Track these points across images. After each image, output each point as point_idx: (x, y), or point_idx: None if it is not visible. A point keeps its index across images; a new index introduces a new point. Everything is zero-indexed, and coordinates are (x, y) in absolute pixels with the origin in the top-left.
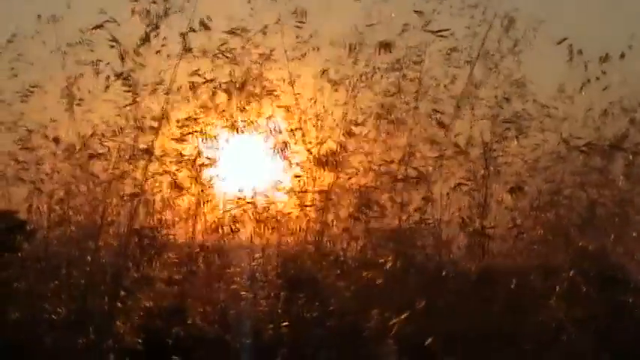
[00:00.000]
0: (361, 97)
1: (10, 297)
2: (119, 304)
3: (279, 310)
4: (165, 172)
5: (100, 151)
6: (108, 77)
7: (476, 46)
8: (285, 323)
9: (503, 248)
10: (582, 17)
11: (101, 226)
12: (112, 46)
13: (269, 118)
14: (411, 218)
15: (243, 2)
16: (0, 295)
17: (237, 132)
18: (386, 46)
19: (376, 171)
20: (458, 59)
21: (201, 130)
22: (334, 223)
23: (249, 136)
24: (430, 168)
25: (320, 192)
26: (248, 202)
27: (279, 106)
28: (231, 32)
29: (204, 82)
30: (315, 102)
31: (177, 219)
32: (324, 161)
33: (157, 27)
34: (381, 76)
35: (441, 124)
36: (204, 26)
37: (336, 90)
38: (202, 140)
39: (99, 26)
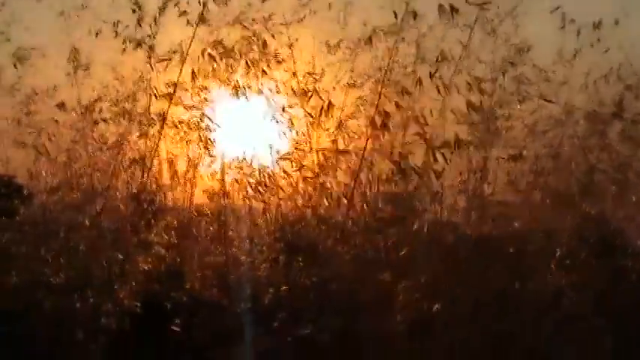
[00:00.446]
0: (360, 61)
1: (8, 262)
2: (118, 269)
3: (278, 275)
4: (167, 136)
5: (104, 116)
6: (124, 41)
7: (474, 10)
8: (284, 287)
9: (502, 213)
10: None
11: (101, 190)
12: (134, 10)
13: (269, 82)
14: (410, 183)
15: None
16: None
17: (237, 96)
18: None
19: (375, 134)
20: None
21: (205, 95)
22: (333, 187)
23: (249, 101)
24: (429, 132)
25: (319, 156)
26: (247, 166)
27: (278, 70)
28: None
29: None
30: (313, 66)
31: (176, 183)
32: (324, 124)
33: None
34: (379, 39)
35: (440, 88)
36: None
37: (334, 53)
38: (202, 104)
39: None
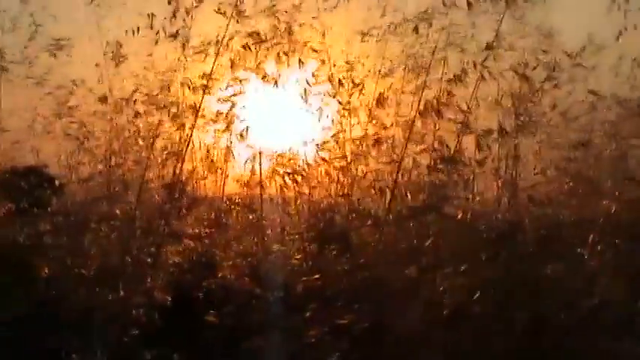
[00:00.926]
0: (390, 48)
1: (40, 252)
2: (149, 259)
3: (310, 264)
4: (200, 126)
5: (137, 108)
6: (157, 33)
7: None
8: (316, 276)
9: (534, 198)
10: None
11: (132, 181)
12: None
13: (300, 71)
14: (441, 171)
15: None
16: (29, 250)
17: (269, 86)
18: None
19: (405, 123)
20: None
21: (233, 84)
22: (365, 176)
23: (280, 89)
24: (460, 119)
25: (349, 144)
26: (280, 156)
27: (311, 59)
28: None
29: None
30: (345, 54)
31: (207, 173)
32: (354, 113)
33: None
34: (410, 26)
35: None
36: None
37: (366, 41)
38: (236, 96)
39: None
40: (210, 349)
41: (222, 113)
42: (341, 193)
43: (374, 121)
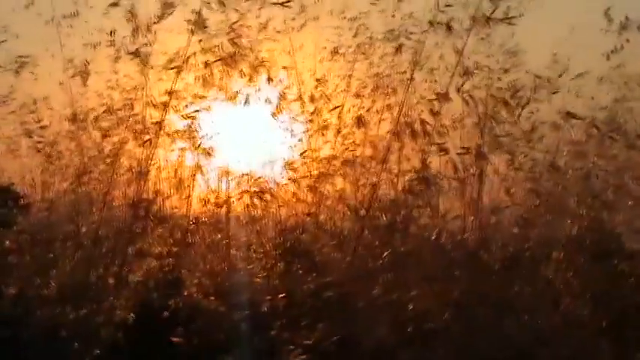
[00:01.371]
0: (358, 68)
1: (4, 271)
2: (114, 277)
3: (276, 282)
4: (165, 145)
5: (100, 125)
6: (118, 50)
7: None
8: (281, 295)
9: (499, 218)
10: None
11: (97, 199)
12: (128, 20)
13: (267, 89)
14: (407, 189)
15: None
16: None
17: (235, 104)
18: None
19: (373, 142)
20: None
21: (202, 102)
22: (331, 194)
23: (247, 108)
24: (426, 138)
25: (317, 163)
26: (245, 174)
27: (277, 78)
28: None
29: (213, 60)
30: (314, 73)
31: (173, 192)
32: (322, 132)
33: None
34: (378, 46)
35: (436, 95)
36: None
37: (335, 60)
38: (203, 113)
39: (115, 4)
40: None
41: (187, 131)
42: (308, 212)
43: (343, 141)
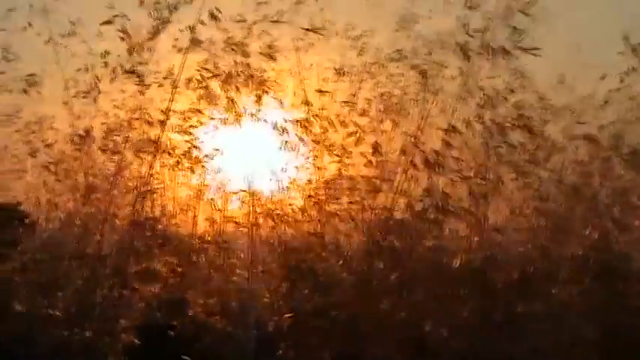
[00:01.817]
0: (366, 87)
1: (10, 291)
2: (120, 297)
3: (282, 302)
4: (169, 164)
5: (103, 144)
6: (114, 70)
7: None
8: (288, 314)
9: (505, 238)
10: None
11: (103, 218)
12: (122, 39)
13: (274, 108)
14: (413, 208)
15: None
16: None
17: (241, 123)
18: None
19: (379, 161)
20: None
21: (205, 121)
22: (337, 213)
23: (253, 127)
24: (432, 158)
25: (324, 182)
26: (251, 193)
27: (283, 97)
28: (238, 22)
29: (211, 76)
30: (320, 92)
31: (179, 210)
32: (329, 151)
33: (165, 21)
34: (386, 65)
35: (443, 114)
36: (214, 18)
37: (341, 80)
38: (206, 132)
39: (108, 22)
40: None
41: (189, 150)
42: (314, 232)
43: (349, 161)
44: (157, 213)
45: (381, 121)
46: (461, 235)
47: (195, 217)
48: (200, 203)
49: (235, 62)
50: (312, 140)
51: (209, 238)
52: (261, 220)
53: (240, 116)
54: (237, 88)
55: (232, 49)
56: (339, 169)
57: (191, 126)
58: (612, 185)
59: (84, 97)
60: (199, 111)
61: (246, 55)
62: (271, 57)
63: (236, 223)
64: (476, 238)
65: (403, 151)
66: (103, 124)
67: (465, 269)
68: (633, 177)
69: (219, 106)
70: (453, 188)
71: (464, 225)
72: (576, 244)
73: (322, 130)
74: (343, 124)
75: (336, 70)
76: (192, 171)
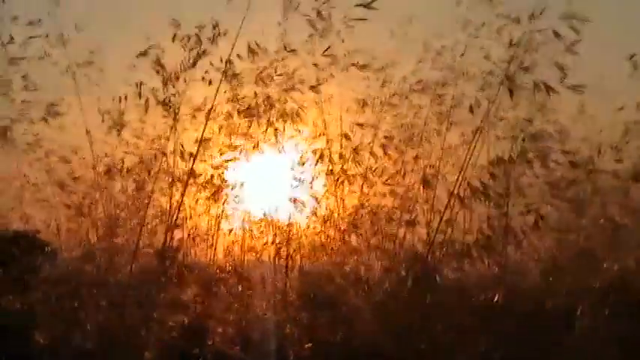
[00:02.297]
0: (387, 118)
1: (31, 320)
2: (140, 326)
3: (302, 332)
4: (189, 193)
5: (125, 175)
6: (147, 100)
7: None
8: (307, 345)
9: (525, 269)
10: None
11: (125, 248)
12: (157, 72)
13: (295, 138)
14: (433, 240)
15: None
16: (20, 318)
17: (262, 152)
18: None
19: (399, 193)
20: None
21: (226, 152)
22: (357, 243)
23: (274, 157)
24: (452, 190)
25: (343, 213)
26: (272, 223)
27: (304, 127)
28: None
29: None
30: (341, 123)
31: (199, 240)
32: (348, 182)
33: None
34: (406, 97)
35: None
36: (252, 52)
37: (363, 111)
38: (229, 162)
39: (143, 53)
40: None
41: (215, 181)
42: (334, 262)
43: (370, 191)
44: (179, 243)
45: (403, 152)
46: (482, 267)
47: (215, 246)
48: (222, 232)
49: (256, 93)
50: (333, 171)
51: (229, 268)
52: (281, 250)
53: (261, 146)
54: (259, 119)
55: (255, 81)
56: (360, 200)
57: (215, 156)
58: (632, 217)
59: (109, 127)
60: (226, 143)
61: (267, 85)
62: (293, 88)
63: (256, 252)
64: (497, 270)
65: (424, 182)
66: (127, 153)
67: (485, 301)
68: None
69: (241, 137)
70: (474, 219)
71: (484, 257)
72: (597, 277)
73: (343, 161)
74: (365, 154)
75: (358, 100)
76: (214, 200)
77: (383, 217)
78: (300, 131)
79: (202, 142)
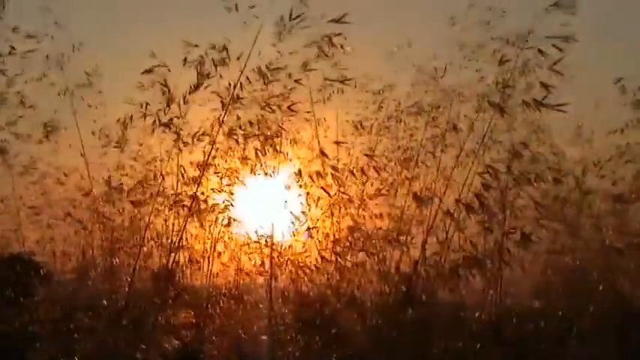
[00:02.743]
0: (384, 142)
1: (26, 342)
2: (135, 348)
3: (298, 354)
4: (184, 215)
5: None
6: (154, 122)
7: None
8: None
9: (519, 291)
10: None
11: (118, 269)
12: (163, 92)
13: (290, 160)
14: (427, 262)
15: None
16: (15, 339)
17: (257, 175)
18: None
19: (395, 215)
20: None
21: (222, 174)
22: (354, 266)
23: (270, 179)
24: (448, 210)
25: (340, 235)
26: (267, 245)
27: (300, 149)
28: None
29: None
30: (338, 145)
31: (195, 262)
32: (346, 204)
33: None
34: (402, 120)
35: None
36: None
37: (359, 134)
38: (223, 183)
39: (148, 71)
40: None
41: (215, 205)
42: (330, 284)
43: (365, 213)
44: (173, 264)
45: (398, 174)
46: (477, 289)
47: (210, 268)
48: (216, 254)
49: (247, 114)
50: (329, 193)
51: (225, 290)
52: (277, 272)
53: (254, 167)
54: (253, 141)
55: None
56: (356, 222)
57: (203, 177)
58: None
59: (105, 148)
60: (229, 167)
61: (262, 107)
62: (290, 109)
63: (252, 274)
64: (491, 292)
65: (420, 204)
66: (124, 175)
67: (481, 323)
68: None
69: (239, 160)
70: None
71: (480, 278)
72: (591, 299)
73: (339, 183)
74: (360, 177)
75: (354, 123)
76: (209, 222)
77: (377, 238)
78: (295, 153)
79: (205, 165)
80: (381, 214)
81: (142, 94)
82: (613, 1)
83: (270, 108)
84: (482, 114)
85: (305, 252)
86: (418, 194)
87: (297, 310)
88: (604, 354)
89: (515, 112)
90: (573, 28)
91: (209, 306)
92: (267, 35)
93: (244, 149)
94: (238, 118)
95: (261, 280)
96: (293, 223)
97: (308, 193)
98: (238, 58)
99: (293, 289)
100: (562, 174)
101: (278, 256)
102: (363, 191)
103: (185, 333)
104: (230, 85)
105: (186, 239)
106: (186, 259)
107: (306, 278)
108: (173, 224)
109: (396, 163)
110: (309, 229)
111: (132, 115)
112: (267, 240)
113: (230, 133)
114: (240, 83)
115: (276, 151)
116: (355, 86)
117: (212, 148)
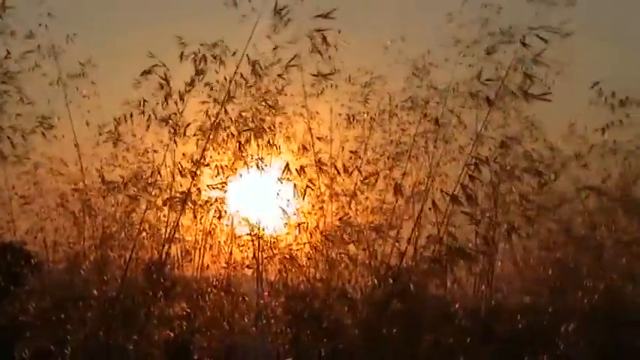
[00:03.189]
0: (376, 135)
1: (16, 331)
2: (126, 339)
3: (287, 347)
4: (175, 207)
5: (109, 184)
6: (149, 117)
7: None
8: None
9: (510, 287)
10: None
11: (110, 260)
12: (162, 87)
13: (281, 153)
14: (417, 256)
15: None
16: (5, 329)
17: (249, 168)
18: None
19: (386, 209)
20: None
21: (213, 167)
22: (343, 259)
23: (261, 173)
24: (439, 205)
25: (331, 228)
26: (258, 238)
27: (291, 143)
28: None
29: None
30: (331, 139)
31: (186, 254)
32: (336, 197)
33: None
34: (396, 114)
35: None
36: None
37: (352, 127)
38: (216, 177)
39: (148, 72)
40: None
41: (210, 199)
42: (319, 278)
43: (356, 207)
44: (164, 256)
45: (390, 169)
46: (467, 284)
47: (201, 260)
48: (207, 247)
49: (241, 109)
50: (320, 186)
51: (215, 282)
52: (267, 265)
53: (247, 162)
54: (245, 134)
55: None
56: (347, 215)
57: (198, 171)
58: (618, 236)
59: (97, 141)
60: (223, 164)
61: (254, 100)
62: (283, 104)
63: (242, 267)
64: (482, 288)
65: (411, 198)
66: (113, 166)
67: (470, 318)
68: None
69: (233, 155)
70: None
71: (470, 273)
72: (582, 295)
73: (330, 177)
74: (352, 170)
75: (346, 116)
76: (199, 215)
77: (368, 232)
78: (286, 146)
79: (200, 160)
80: (372, 209)
81: (137, 88)
82: None
83: (265, 102)
84: (475, 109)
85: (295, 245)
86: (401, 187)
87: (285, 302)
88: (593, 350)
89: (508, 108)
90: (572, 25)
91: (200, 297)
92: (263, 30)
93: (238, 143)
94: (229, 112)
95: (251, 272)
96: (283, 216)
97: (301, 187)
98: (234, 54)
99: (281, 282)
100: (553, 169)
101: (269, 249)
102: (356, 185)
103: (176, 324)
104: (226, 79)
105: (179, 231)
106: (179, 251)
107: (294, 271)
108: (166, 217)
109: (388, 158)
110: (299, 224)
111: (131, 113)
112: (258, 232)
113: (224, 127)
114: (235, 80)
115: (269, 144)
116: (349, 80)
117: (206, 142)
